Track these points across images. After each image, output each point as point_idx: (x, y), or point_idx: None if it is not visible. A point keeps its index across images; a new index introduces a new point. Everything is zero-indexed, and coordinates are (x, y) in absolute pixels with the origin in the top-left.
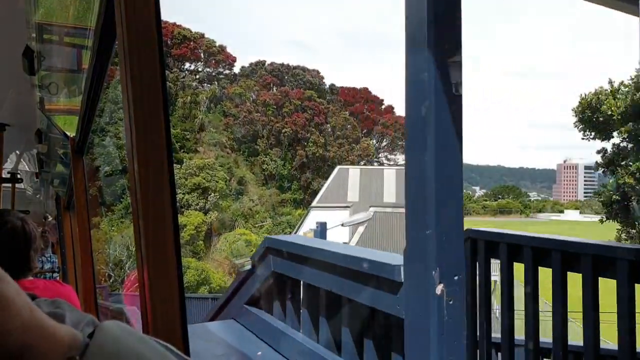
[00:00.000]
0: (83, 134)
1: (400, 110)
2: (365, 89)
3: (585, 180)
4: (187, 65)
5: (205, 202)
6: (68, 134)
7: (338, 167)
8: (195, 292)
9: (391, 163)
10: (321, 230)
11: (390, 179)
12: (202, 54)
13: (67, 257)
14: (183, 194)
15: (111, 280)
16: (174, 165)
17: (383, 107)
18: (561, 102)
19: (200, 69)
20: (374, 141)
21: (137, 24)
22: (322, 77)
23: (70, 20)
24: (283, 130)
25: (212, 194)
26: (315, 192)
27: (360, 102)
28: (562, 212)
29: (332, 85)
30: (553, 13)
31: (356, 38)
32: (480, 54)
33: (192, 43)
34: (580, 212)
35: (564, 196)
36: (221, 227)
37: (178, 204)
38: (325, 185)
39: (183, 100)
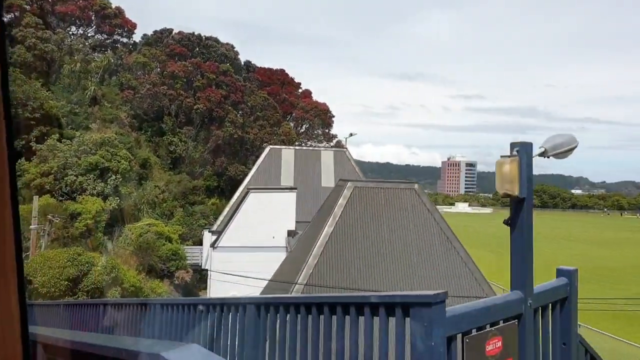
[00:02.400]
0: None
1: (317, 96)
2: (282, 71)
3: (466, 176)
4: (73, 29)
5: (105, 186)
6: None
7: (269, 147)
8: (102, 296)
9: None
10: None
11: (328, 161)
12: (93, 16)
13: None
14: (76, 175)
15: None
16: (62, 141)
17: (300, 90)
18: (443, 104)
19: (91, 34)
20: (292, 124)
21: None
22: (237, 53)
23: None
24: (195, 107)
25: (114, 176)
26: (232, 179)
27: (277, 83)
28: (453, 204)
29: (247, 62)
30: (445, 14)
31: (249, 30)
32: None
33: (81, 1)
34: (469, 205)
35: (447, 190)
36: (120, 217)
37: (69, 187)
38: (255, 167)
39: (70, 67)
